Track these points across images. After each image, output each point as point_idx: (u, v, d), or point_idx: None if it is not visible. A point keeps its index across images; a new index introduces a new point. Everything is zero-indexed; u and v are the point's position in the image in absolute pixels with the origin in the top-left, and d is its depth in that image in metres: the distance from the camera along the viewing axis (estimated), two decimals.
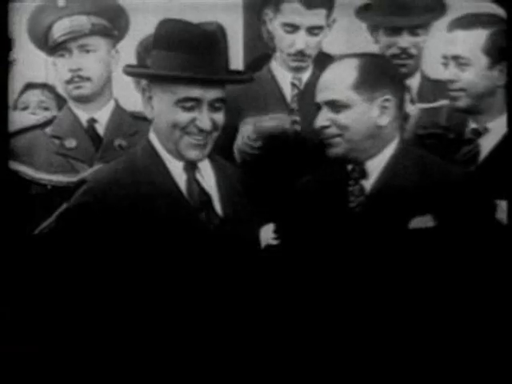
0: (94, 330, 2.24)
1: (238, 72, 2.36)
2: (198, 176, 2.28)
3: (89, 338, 2.25)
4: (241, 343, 2.26)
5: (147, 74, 2.29)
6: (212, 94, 2.20)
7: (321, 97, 2.36)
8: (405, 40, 2.69)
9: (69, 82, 2.64)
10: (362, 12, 2.70)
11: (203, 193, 2.27)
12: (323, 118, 2.34)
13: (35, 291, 2.40)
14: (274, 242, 2.44)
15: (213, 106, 2.22)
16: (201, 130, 2.20)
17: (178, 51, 2.18)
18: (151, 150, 2.28)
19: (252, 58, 2.71)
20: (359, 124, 2.32)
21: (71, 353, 2.27)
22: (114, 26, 2.65)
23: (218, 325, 2.23)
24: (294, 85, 2.73)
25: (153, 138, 2.28)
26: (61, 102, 2.76)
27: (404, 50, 2.69)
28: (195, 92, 2.19)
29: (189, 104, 2.19)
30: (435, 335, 2.31)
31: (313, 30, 2.65)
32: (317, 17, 2.65)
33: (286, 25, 2.66)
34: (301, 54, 2.68)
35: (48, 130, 2.67)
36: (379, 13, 2.69)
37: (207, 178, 2.30)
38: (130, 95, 2.57)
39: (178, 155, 2.25)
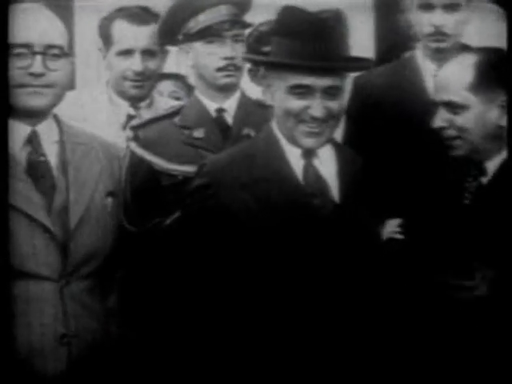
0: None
1: (356, 59, 2.25)
2: (316, 162, 2.24)
3: None
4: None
5: (260, 60, 2.37)
6: (325, 81, 2.15)
7: (438, 96, 2.32)
8: None
9: (221, 69, 2.60)
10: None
11: (320, 179, 2.23)
12: (441, 119, 2.30)
13: (166, 283, 2.39)
14: (398, 237, 2.41)
15: (327, 94, 2.16)
16: (314, 118, 2.16)
17: (293, 38, 2.15)
18: (271, 136, 2.27)
19: (384, 48, 2.82)
20: (478, 126, 2.26)
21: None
22: (242, 15, 2.66)
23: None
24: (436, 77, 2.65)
25: (273, 124, 2.28)
26: (191, 92, 2.76)
27: None
28: (307, 79, 2.14)
29: (300, 91, 2.15)
30: None
31: (450, 7, 2.60)
32: None
33: (422, 6, 2.63)
34: (440, 33, 2.62)
35: (176, 120, 2.67)
36: None
37: (327, 164, 2.25)
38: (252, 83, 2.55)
39: (295, 142, 2.22)
